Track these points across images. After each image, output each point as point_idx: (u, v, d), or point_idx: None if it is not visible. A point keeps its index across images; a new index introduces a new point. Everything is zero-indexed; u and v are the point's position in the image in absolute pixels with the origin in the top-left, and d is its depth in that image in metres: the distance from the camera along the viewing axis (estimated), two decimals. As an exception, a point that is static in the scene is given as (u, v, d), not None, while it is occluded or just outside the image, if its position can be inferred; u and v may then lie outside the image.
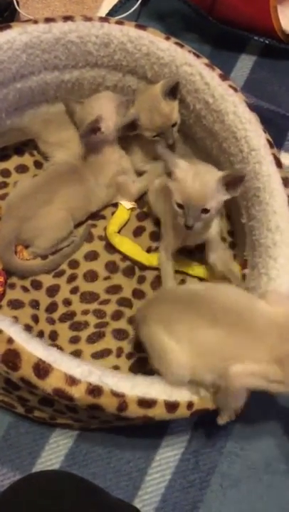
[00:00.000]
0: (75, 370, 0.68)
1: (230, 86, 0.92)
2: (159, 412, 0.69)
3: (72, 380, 0.67)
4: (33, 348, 0.68)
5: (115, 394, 0.68)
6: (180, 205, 0.80)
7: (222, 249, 0.93)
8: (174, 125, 0.96)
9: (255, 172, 0.86)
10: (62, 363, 0.68)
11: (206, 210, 0.80)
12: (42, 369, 0.67)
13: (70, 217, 0.96)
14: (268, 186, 0.84)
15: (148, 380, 0.72)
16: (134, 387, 0.69)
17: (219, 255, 0.91)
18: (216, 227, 0.90)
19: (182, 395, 0.71)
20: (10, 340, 0.68)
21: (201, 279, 0.96)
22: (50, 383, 0.67)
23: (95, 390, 0.67)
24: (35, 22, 0.91)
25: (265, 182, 0.85)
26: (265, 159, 0.86)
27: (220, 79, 0.92)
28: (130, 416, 0.69)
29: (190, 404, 0.71)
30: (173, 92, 0.94)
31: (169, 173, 0.82)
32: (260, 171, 0.85)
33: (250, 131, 0.88)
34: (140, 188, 1.01)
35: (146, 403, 0.68)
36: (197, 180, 0.79)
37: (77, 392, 0.67)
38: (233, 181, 0.81)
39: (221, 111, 0.91)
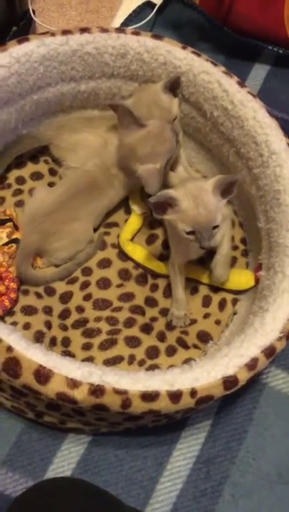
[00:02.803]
0: (75, 373, 0.68)
1: (249, 93, 0.93)
2: (164, 405, 0.69)
3: (74, 383, 0.67)
4: (33, 355, 0.68)
5: (117, 391, 0.67)
6: (190, 232, 0.80)
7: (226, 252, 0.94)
8: (174, 119, 0.95)
9: (276, 175, 0.86)
10: (63, 367, 0.68)
11: (215, 226, 0.81)
12: (43, 375, 0.67)
13: (92, 228, 0.97)
14: (288, 189, 0.85)
15: (149, 374, 0.71)
16: (136, 382, 0.69)
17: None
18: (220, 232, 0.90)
19: (184, 383, 0.70)
20: (9, 349, 0.68)
21: (212, 287, 0.96)
22: (52, 388, 0.67)
23: (97, 390, 0.67)
24: (53, 34, 0.92)
25: (286, 185, 0.85)
26: (287, 162, 0.86)
27: (238, 86, 0.93)
28: (136, 412, 0.69)
29: (193, 392, 0.70)
30: (173, 89, 0.95)
31: (162, 208, 0.81)
32: (281, 173, 0.86)
33: (271, 136, 0.88)
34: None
35: (149, 396, 0.68)
36: (199, 204, 0.79)
37: (80, 395, 0.67)
38: (226, 186, 0.81)
39: (240, 117, 0.92)
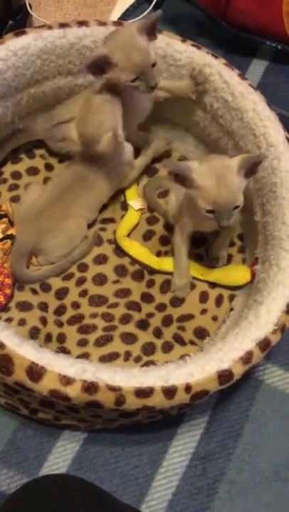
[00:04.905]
0: (68, 370, 0.67)
1: (250, 85, 0.93)
2: (158, 401, 0.68)
3: (67, 380, 0.66)
4: (25, 352, 0.68)
5: (111, 388, 0.67)
6: (210, 211, 0.79)
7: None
8: (153, 65, 0.87)
9: (273, 168, 0.86)
10: (56, 364, 0.68)
11: (236, 207, 0.79)
12: (35, 372, 0.67)
13: (86, 223, 0.96)
14: (285, 182, 0.84)
15: (143, 370, 0.71)
16: (130, 378, 0.68)
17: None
18: None
19: (179, 379, 0.69)
20: (1, 345, 0.68)
21: (210, 283, 0.96)
22: (45, 385, 0.66)
23: (90, 387, 0.66)
24: (50, 27, 0.91)
25: (283, 177, 0.85)
26: (284, 155, 0.86)
27: (239, 78, 0.93)
28: (130, 409, 0.68)
29: (188, 387, 0.69)
30: (150, 31, 0.86)
31: (182, 180, 0.79)
32: (278, 166, 0.85)
33: (270, 128, 0.88)
34: (135, 175, 1.02)
35: (143, 393, 0.67)
36: (222, 184, 0.77)
37: (73, 392, 0.66)
38: (250, 166, 0.79)
39: (240, 108, 0.91)
